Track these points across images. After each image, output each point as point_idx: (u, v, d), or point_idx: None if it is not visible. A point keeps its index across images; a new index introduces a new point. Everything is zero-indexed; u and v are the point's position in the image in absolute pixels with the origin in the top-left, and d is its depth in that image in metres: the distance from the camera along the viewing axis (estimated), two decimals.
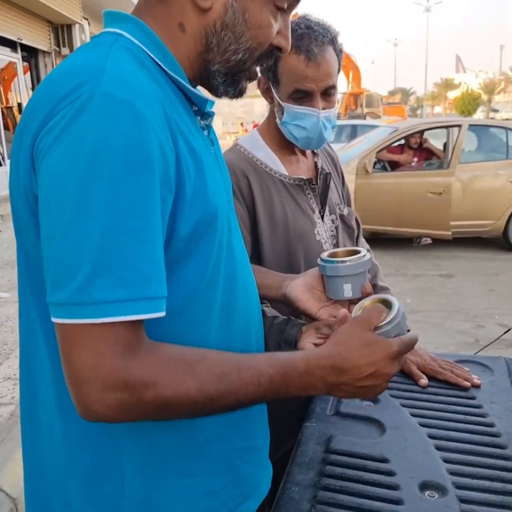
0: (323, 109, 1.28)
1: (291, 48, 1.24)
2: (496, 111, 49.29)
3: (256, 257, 1.30)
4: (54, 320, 0.64)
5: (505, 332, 2.19)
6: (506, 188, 6.52)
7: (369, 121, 15.72)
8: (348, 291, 1.07)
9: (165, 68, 0.74)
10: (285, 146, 1.38)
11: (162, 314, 0.66)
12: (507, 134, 6.78)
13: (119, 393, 0.63)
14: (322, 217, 1.40)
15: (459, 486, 0.98)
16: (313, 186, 1.38)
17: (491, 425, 1.16)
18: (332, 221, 1.43)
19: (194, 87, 0.82)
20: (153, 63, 0.74)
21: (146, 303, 0.64)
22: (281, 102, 1.30)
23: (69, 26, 12.03)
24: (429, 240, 6.61)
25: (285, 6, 0.80)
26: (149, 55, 0.73)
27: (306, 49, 1.23)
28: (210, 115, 0.83)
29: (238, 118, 29.79)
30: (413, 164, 6.90)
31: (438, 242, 6.72)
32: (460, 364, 1.39)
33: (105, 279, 0.61)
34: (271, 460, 1.28)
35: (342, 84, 30.15)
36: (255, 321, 0.89)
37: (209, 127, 0.84)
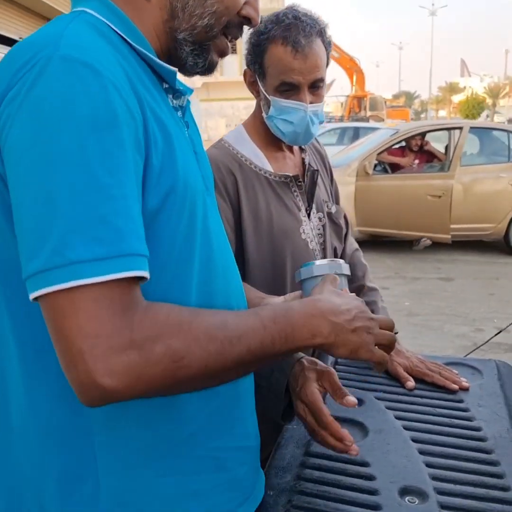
0: (311, 103, 1.25)
1: (278, 39, 1.21)
2: (500, 115, 49.20)
3: (240, 256, 1.27)
4: (36, 294, 0.58)
5: (494, 335, 2.16)
6: (507, 191, 6.49)
7: (372, 123, 15.69)
8: None
9: (131, 42, 0.72)
10: (272, 142, 1.35)
11: (145, 274, 0.62)
12: (509, 137, 6.75)
13: (126, 354, 0.58)
14: (309, 215, 1.37)
15: (440, 492, 0.95)
16: (299, 183, 1.35)
17: (477, 429, 1.12)
18: (319, 219, 1.40)
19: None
20: (119, 38, 0.71)
21: (128, 260, 0.60)
22: (267, 96, 1.27)
23: None
24: (428, 241, 6.57)
25: None
26: (115, 31, 0.71)
27: (294, 40, 1.19)
28: (183, 93, 0.80)
29: (241, 120, 29.82)
30: (414, 166, 6.86)
31: (439, 245, 6.69)
32: (449, 367, 1.36)
33: (80, 237, 0.57)
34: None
35: (346, 87, 30.16)
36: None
37: (183, 109, 0.81)
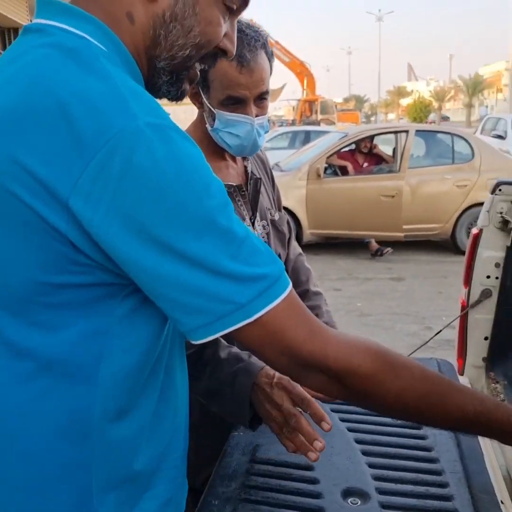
0: (256, 115, 1.26)
1: None
2: (447, 118, 50.79)
3: None
4: (252, 320, 0.66)
5: (437, 333, 2.23)
6: (453, 192, 6.70)
7: (322, 127, 15.91)
8: None
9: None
10: (214, 152, 1.35)
11: None
12: (453, 139, 6.98)
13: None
14: (253, 224, 1.37)
15: (382, 492, 0.97)
16: (243, 193, 1.35)
17: (418, 427, 1.16)
18: (263, 227, 1.41)
19: None
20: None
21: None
22: (212, 108, 1.26)
23: (16, 30, 11.73)
24: (390, 250, 6.72)
25: (235, 7, 0.77)
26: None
27: (239, 54, 1.19)
28: None
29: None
30: (363, 167, 7.01)
31: (390, 246, 6.83)
32: None
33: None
34: (198, 480, 1.25)
35: (298, 91, 30.47)
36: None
37: None
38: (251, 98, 1.24)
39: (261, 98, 1.25)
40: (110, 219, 0.61)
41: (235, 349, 1.13)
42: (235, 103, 1.24)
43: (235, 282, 0.65)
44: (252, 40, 1.21)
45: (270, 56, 1.27)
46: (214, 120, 1.27)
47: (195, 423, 1.16)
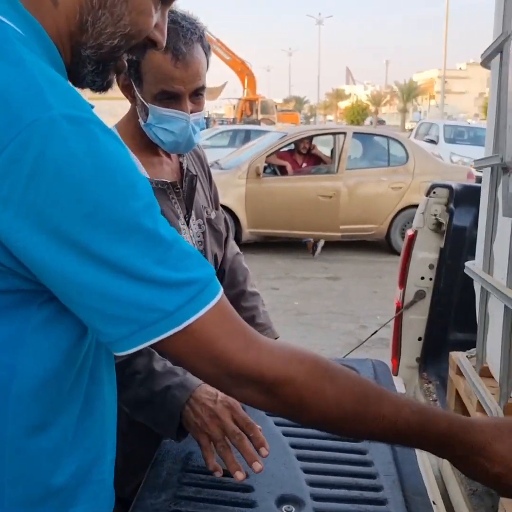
0: (192, 112, 1.21)
1: None
2: (383, 122, 52.32)
3: None
4: (180, 328, 0.62)
5: (373, 333, 2.26)
6: (388, 194, 6.89)
7: (263, 126, 15.99)
8: None
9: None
10: (147, 146, 1.29)
11: None
12: (388, 142, 7.18)
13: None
14: (188, 223, 1.33)
15: (316, 498, 0.95)
16: (177, 190, 1.30)
17: None
18: (199, 226, 1.36)
19: None
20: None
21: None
22: (145, 103, 1.20)
23: None
24: (322, 242, 6.81)
25: None
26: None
27: (174, 47, 1.14)
28: None
29: None
30: (302, 167, 7.09)
31: (326, 246, 6.95)
32: None
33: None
34: (126, 491, 1.19)
35: (239, 90, 30.50)
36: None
37: None
38: (187, 93, 1.18)
39: (197, 93, 1.21)
40: (21, 220, 0.55)
41: (169, 363, 1.09)
42: (170, 98, 1.18)
43: (161, 288, 0.60)
44: (188, 33, 1.16)
45: (207, 50, 1.22)
46: (147, 114, 1.21)
47: (123, 430, 1.11)
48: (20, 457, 0.66)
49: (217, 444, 0.97)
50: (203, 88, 1.21)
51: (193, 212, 1.34)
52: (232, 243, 1.53)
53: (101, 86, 0.75)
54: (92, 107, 0.67)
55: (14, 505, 0.67)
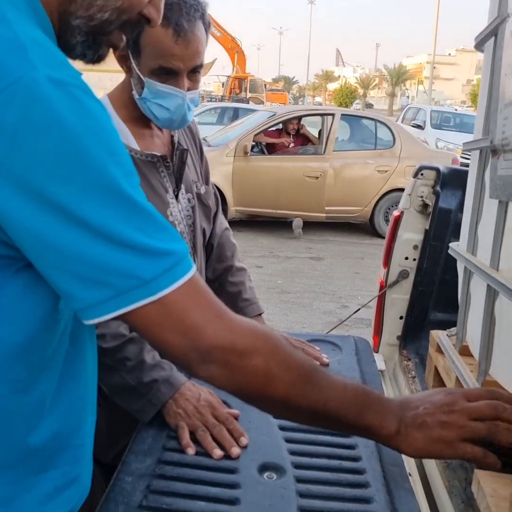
0: (188, 89, 1.20)
1: None
2: (370, 105, 52.20)
3: None
4: (155, 298, 0.62)
5: (354, 312, 2.30)
6: (373, 177, 6.91)
7: (251, 105, 15.86)
8: None
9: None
10: (139, 118, 1.27)
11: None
12: (376, 125, 7.18)
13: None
14: (177, 197, 1.32)
15: (297, 466, 0.98)
16: (167, 164, 1.30)
17: None
18: (189, 200, 1.36)
19: None
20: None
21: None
22: (141, 76, 1.19)
23: None
24: (299, 222, 6.81)
25: None
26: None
27: (176, 23, 1.12)
28: None
29: None
30: (290, 147, 7.07)
31: (311, 226, 6.97)
32: (313, 343, 1.41)
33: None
34: (110, 454, 1.22)
35: (228, 68, 30.10)
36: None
37: None
38: (185, 70, 1.17)
39: (195, 71, 1.20)
40: (1, 180, 0.55)
41: (158, 356, 1.12)
42: (167, 74, 1.17)
43: (139, 255, 0.60)
44: (191, 9, 1.14)
45: (207, 28, 1.20)
46: (142, 88, 1.19)
47: (105, 396, 1.13)
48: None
49: (196, 431, 1.01)
50: (201, 66, 1.20)
51: (182, 186, 1.33)
52: (221, 218, 1.54)
53: (92, 59, 0.74)
54: (80, 74, 0.67)
55: None
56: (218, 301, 0.71)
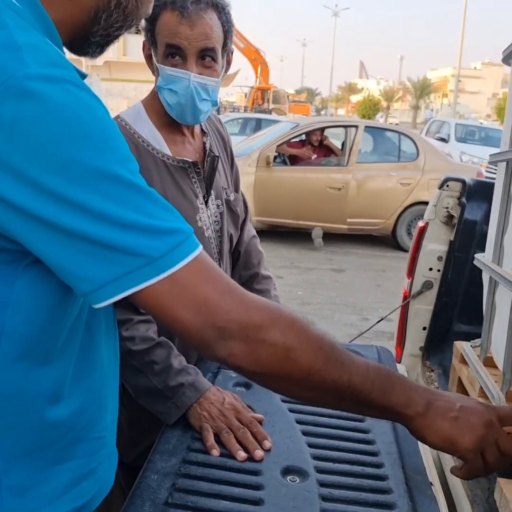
0: (200, 75, 1.21)
1: (167, 5, 1.18)
2: (394, 118, 52.00)
3: None
4: (165, 275, 0.63)
5: (375, 323, 2.29)
6: (396, 189, 6.88)
7: (274, 116, 15.93)
8: None
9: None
10: (170, 124, 1.30)
11: None
12: (400, 138, 7.16)
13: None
14: (207, 202, 1.35)
15: (320, 470, 0.98)
16: (198, 170, 1.32)
17: None
18: (217, 206, 1.38)
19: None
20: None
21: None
22: (157, 64, 1.23)
23: None
24: (319, 231, 6.80)
25: None
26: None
27: (181, 5, 1.16)
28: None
29: None
30: (312, 158, 7.08)
31: (332, 238, 6.96)
32: None
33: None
34: (134, 453, 1.24)
35: (251, 78, 30.29)
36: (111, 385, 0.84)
37: None
38: (192, 53, 1.19)
39: (205, 56, 1.21)
40: (2, 173, 0.57)
41: (184, 361, 1.16)
42: (176, 56, 1.19)
43: (144, 235, 0.62)
44: None
45: (222, 16, 1.22)
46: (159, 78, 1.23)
47: (130, 398, 1.16)
48: (16, 401, 0.69)
49: (220, 433, 1.03)
50: (211, 50, 1.20)
51: (212, 192, 1.35)
52: (249, 225, 1.56)
53: (93, 55, 0.79)
54: (85, 76, 0.72)
55: (9, 455, 0.70)
56: (229, 278, 0.71)
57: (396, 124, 50.49)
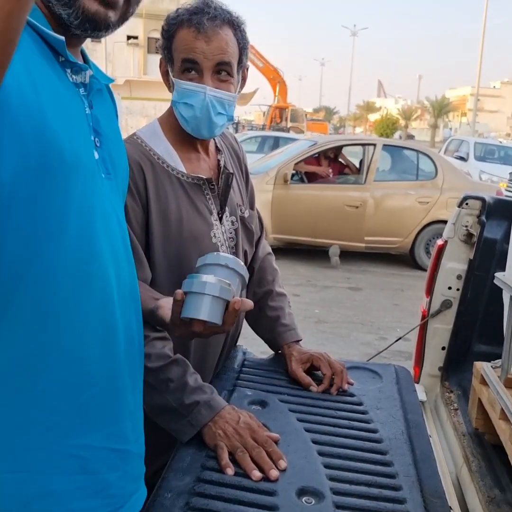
0: (215, 89, 1.22)
1: (184, 23, 1.20)
2: (412, 137, 51.96)
3: (146, 258, 1.23)
4: None
5: (393, 342, 2.26)
6: (414, 208, 6.84)
7: (292, 134, 16.02)
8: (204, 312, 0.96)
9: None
10: (186, 140, 1.32)
11: None
12: (418, 156, 7.13)
13: None
14: (221, 219, 1.35)
15: (336, 492, 0.96)
16: (212, 186, 1.33)
17: (374, 431, 1.16)
18: (232, 222, 1.38)
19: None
20: None
21: None
22: (173, 79, 1.24)
23: None
24: (337, 250, 6.78)
25: None
26: None
27: (197, 21, 1.19)
28: (83, 69, 0.76)
29: None
30: (329, 175, 7.08)
31: (349, 256, 6.93)
32: (352, 370, 1.40)
33: None
34: (148, 472, 1.23)
35: (269, 97, 30.53)
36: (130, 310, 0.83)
37: (87, 87, 0.77)
38: (208, 67, 1.21)
39: (220, 70, 1.22)
40: None
41: (200, 379, 1.16)
42: (192, 71, 1.21)
43: None
44: (218, 15, 1.20)
45: (237, 33, 1.24)
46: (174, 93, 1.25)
47: (146, 414, 1.15)
48: None
49: (235, 452, 1.02)
50: (227, 64, 1.22)
51: (227, 208, 1.36)
52: (264, 242, 1.56)
53: (78, 19, 0.73)
54: (100, 73, 0.74)
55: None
56: None
57: (413, 136, 50.39)
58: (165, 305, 1.02)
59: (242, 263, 1.04)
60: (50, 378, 0.68)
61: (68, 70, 0.74)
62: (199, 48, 1.19)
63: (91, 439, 0.75)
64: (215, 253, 1.04)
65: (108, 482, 0.78)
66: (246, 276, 1.05)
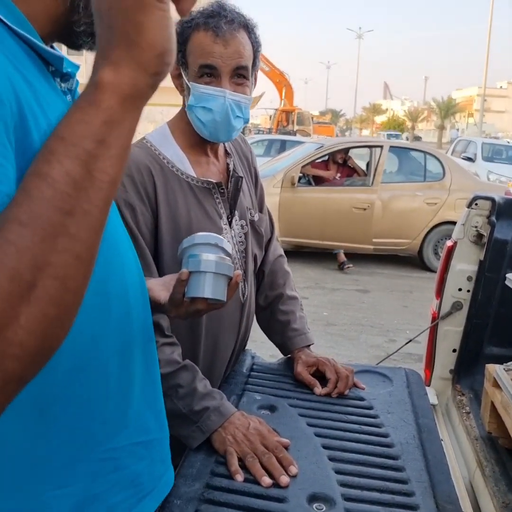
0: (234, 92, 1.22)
1: (200, 26, 1.20)
2: (419, 138, 51.84)
3: (155, 263, 1.23)
4: None
5: (403, 345, 2.24)
6: (422, 209, 6.81)
7: (298, 137, 16.02)
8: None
9: (9, 24, 0.66)
10: (196, 144, 1.31)
11: None
12: (425, 157, 7.10)
13: None
14: (230, 223, 1.34)
15: (347, 498, 0.95)
16: (222, 190, 1.32)
17: (385, 435, 1.14)
18: (242, 226, 1.38)
19: (49, 44, 0.74)
20: None
21: None
22: (188, 83, 1.23)
23: None
24: (351, 266, 6.77)
25: None
26: None
27: (215, 25, 1.18)
28: (72, 76, 0.76)
29: None
30: (336, 179, 7.07)
31: (357, 258, 6.90)
32: (362, 374, 1.39)
33: None
34: None
35: (275, 101, 30.60)
36: (137, 308, 0.82)
37: (72, 92, 0.77)
38: (226, 71, 1.20)
39: (238, 74, 1.22)
40: None
41: (209, 385, 1.15)
42: (210, 76, 1.21)
43: None
44: (235, 19, 1.20)
45: (252, 36, 1.24)
46: (190, 97, 1.24)
47: None
48: None
49: (245, 457, 1.01)
50: (244, 68, 1.22)
51: (236, 212, 1.35)
52: (275, 244, 1.55)
53: (91, 47, 0.75)
54: (75, 66, 0.72)
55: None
56: None
57: (420, 137, 50.22)
58: (154, 287, 0.99)
59: (227, 242, 1.01)
60: (80, 404, 0.72)
61: (58, 79, 0.74)
62: (217, 52, 1.19)
63: (118, 441, 0.78)
64: (200, 233, 0.99)
65: (137, 472, 0.81)
66: (231, 254, 1.04)
